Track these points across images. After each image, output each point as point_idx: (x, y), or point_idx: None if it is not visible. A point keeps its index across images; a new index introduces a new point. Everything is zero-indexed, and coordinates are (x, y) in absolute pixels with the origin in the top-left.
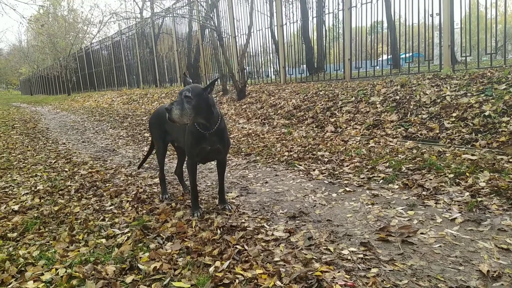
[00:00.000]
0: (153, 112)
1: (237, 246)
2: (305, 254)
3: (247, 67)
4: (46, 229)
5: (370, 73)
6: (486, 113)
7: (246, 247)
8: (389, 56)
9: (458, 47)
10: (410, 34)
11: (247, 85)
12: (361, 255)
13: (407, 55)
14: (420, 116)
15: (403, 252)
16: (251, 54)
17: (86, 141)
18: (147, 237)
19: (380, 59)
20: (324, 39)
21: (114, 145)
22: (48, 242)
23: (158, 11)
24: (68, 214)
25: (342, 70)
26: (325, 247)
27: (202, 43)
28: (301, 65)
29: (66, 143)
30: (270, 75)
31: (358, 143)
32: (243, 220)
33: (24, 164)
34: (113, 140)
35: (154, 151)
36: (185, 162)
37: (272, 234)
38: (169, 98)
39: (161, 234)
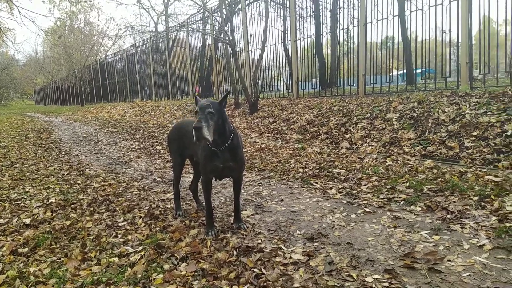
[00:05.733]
0: (173, 126)
1: (255, 270)
2: (326, 280)
3: (259, 81)
4: (58, 245)
5: (385, 89)
6: (508, 133)
7: (264, 270)
8: (404, 71)
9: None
10: (426, 50)
11: (259, 99)
12: (386, 284)
13: (420, 70)
14: (438, 134)
15: (431, 281)
16: (264, 68)
17: (99, 153)
18: (161, 257)
19: (392, 74)
20: (337, 54)
21: (127, 158)
22: (60, 259)
23: (172, 25)
24: (80, 229)
25: (356, 85)
26: (347, 273)
27: (215, 57)
28: (314, 80)
29: (79, 155)
30: (282, 89)
31: (374, 160)
32: (259, 241)
33: (36, 176)
34: (125, 152)
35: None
36: (200, 178)
37: (290, 257)
38: (180, 111)
39: (175, 254)
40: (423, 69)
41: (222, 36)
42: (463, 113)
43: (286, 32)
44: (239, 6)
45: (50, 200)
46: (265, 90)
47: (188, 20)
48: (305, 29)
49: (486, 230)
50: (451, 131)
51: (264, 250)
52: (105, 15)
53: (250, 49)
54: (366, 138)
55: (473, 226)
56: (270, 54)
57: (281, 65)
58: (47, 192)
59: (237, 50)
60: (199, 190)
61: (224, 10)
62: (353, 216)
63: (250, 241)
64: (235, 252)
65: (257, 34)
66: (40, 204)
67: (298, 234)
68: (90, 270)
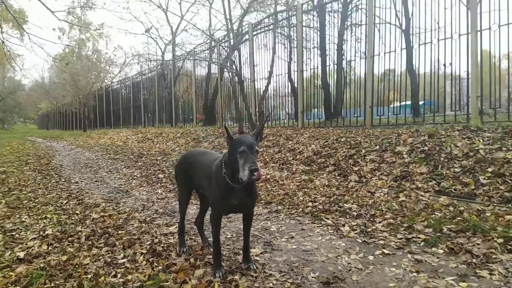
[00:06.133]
0: (181, 157)
1: None
2: None
3: (265, 111)
4: (52, 284)
5: (392, 121)
6: None
7: None
8: (407, 103)
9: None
10: (433, 83)
11: (264, 128)
12: None
13: (422, 102)
14: (452, 169)
15: None
16: (268, 97)
17: (99, 180)
18: None
19: (398, 105)
20: (343, 85)
21: (128, 186)
22: None
23: (179, 54)
24: (77, 266)
25: (363, 116)
26: None
27: (220, 85)
28: (318, 110)
29: (79, 182)
30: (288, 119)
31: (386, 195)
32: (271, 285)
33: (34, 204)
34: (127, 180)
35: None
36: (207, 212)
37: None
38: (184, 138)
39: None
40: (424, 101)
41: (228, 65)
42: (476, 148)
43: (292, 62)
44: (246, 37)
45: (46, 232)
46: (271, 119)
47: (195, 50)
48: (309, 60)
49: None
50: (465, 167)
51: None
52: (113, 43)
53: (256, 78)
54: (376, 171)
55: (502, 272)
56: (275, 84)
57: (285, 95)
58: (44, 222)
59: (243, 79)
60: (204, 225)
61: (231, 40)
62: (371, 258)
63: (261, 284)
64: None
65: (263, 64)
66: (36, 236)
67: (312, 277)
68: None
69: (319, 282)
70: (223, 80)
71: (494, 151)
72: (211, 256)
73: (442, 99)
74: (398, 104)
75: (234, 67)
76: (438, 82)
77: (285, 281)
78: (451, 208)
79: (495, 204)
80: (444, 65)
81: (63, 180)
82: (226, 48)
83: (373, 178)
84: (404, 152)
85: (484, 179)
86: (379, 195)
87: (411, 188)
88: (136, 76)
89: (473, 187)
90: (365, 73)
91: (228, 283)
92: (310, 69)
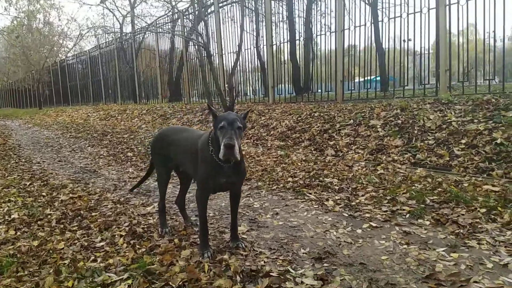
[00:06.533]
0: (157, 134)
1: None
2: None
3: (240, 85)
4: (26, 272)
5: (362, 95)
6: (498, 141)
7: None
8: (375, 77)
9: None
10: (403, 57)
11: (235, 104)
12: None
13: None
14: (426, 142)
15: None
16: (238, 72)
17: (63, 160)
18: (153, 286)
19: (362, 80)
20: (312, 59)
21: (95, 166)
22: None
23: (139, 27)
24: (50, 251)
25: (334, 91)
26: None
27: (186, 60)
28: (288, 85)
29: (41, 162)
30: (258, 94)
31: (364, 169)
32: (263, 263)
33: None
34: (93, 160)
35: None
36: (188, 191)
37: (302, 282)
38: (150, 115)
39: (170, 283)
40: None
41: (195, 38)
42: (449, 120)
43: (259, 37)
44: (212, 8)
45: (12, 216)
46: (240, 95)
47: (157, 22)
48: (277, 35)
49: (505, 246)
50: (438, 139)
51: (271, 274)
52: (66, 15)
53: (223, 53)
54: (352, 145)
55: (490, 241)
56: (245, 59)
57: (254, 70)
58: (7, 206)
59: (211, 53)
60: (186, 204)
61: (196, 11)
62: (359, 231)
63: (252, 263)
64: (238, 278)
65: (230, 38)
66: (0, 220)
67: (303, 253)
68: None
69: (311, 258)
70: (188, 54)
71: (466, 123)
72: (196, 236)
73: (411, 73)
74: (367, 78)
75: (201, 39)
76: (408, 57)
77: (276, 258)
78: (429, 180)
79: (471, 175)
80: (405, 40)
81: (23, 160)
82: (191, 20)
83: (349, 152)
84: (378, 126)
85: (458, 150)
86: (357, 169)
87: (387, 161)
88: (93, 50)
89: (448, 158)
90: (335, 47)
91: (218, 263)
92: (280, 43)
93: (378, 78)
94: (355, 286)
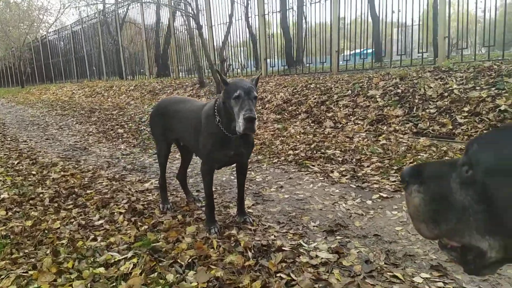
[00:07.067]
0: (156, 105)
1: (281, 275)
2: (371, 284)
3: (229, 58)
4: (21, 253)
5: (358, 66)
6: (502, 108)
7: (293, 276)
8: (364, 50)
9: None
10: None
11: (226, 75)
12: (441, 284)
13: (368, 50)
14: (428, 110)
15: (488, 277)
16: (227, 46)
17: (51, 138)
18: (160, 264)
19: (354, 52)
20: (305, 30)
21: (85, 143)
22: (27, 272)
23: None
24: (46, 231)
25: (328, 63)
26: (391, 273)
27: (174, 33)
28: (281, 58)
29: (28, 141)
30: (250, 67)
31: (366, 140)
32: (273, 237)
33: None
34: (82, 137)
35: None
36: (188, 165)
37: (317, 256)
38: (138, 91)
39: (179, 260)
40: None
41: (183, 8)
42: (450, 88)
43: (249, 7)
44: None
45: (2, 196)
46: (232, 68)
47: None
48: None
49: None
50: (440, 107)
51: (283, 249)
52: None
53: (213, 24)
54: (351, 116)
55: None
56: (235, 31)
57: (243, 43)
58: None
59: (201, 24)
60: (188, 178)
61: None
62: (369, 202)
63: (262, 238)
64: (250, 254)
65: (219, 9)
66: None
67: (314, 226)
68: (71, 287)
69: (322, 230)
70: (175, 26)
71: (469, 90)
72: (200, 212)
73: (409, 42)
74: (360, 50)
75: (190, 9)
76: (406, 26)
77: (286, 232)
78: (434, 149)
79: None
80: (393, 11)
81: (9, 139)
82: None
83: (348, 123)
84: (377, 96)
85: (461, 118)
86: (359, 140)
87: (389, 131)
88: (75, 24)
89: (451, 127)
90: (330, 16)
91: (227, 239)
92: (273, 13)
93: (369, 51)
94: (372, 259)
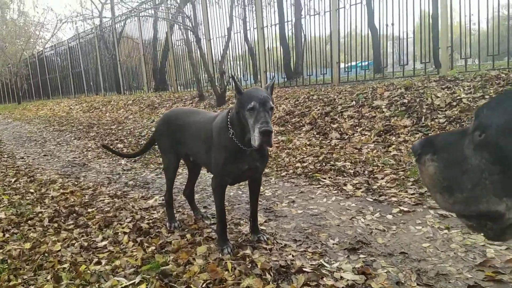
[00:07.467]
0: (162, 116)
1: None
2: None
3: (227, 71)
4: (20, 280)
5: (359, 78)
6: None
7: None
8: (365, 62)
9: (411, 55)
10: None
11: (226, 90)
12: None
13: (364, 63)
14: (437, 120)
15: None
16: (227, 59)
17: (49, 155)
18: None
19: (355, 63)
20: (303, 42)
21: (84, 159)
22: None
23: (119, 13)
24: (46, 254)
25: (328, 74)
26: None
27: (172, 46)
28: (279, 71)
29: (25, 158)
30: (250, 80)
31: (375, 151)
32: (291, 257)
33: None
34: (81, 153)
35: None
36: (196, 179)
37: (342, 278)
38: (136, 105)
39: (192, 285)
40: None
41: (181, 21)
42: (458, 97)
43: (246, 21)
44: None
45: None
46: (230, 81)
47: (139, 8)
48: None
49: None
50: (450, 117)
51: (304, 270)
52: (42, 5)
53: (211, 37)
54: (357, 127)
55: None
56: (233, 44)
57: (242, 56)
58: None
59: (199, 37)
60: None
61: None
62: (389, 217)
63: (279, 258)
64: (269, 276)
65: (218, 22)
66: None
67: (333, 244)
68: None
69: (343, 248)
70: (173, 40)
71: (477, 99)
72: (209, 230)
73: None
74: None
75: (188, 22)
76: (407, 34)
77: (304, 251)
78: None
79: None
80: (387, 25)
81: (6, 156)
82: (176, 1)
83: (355, 134)
84: (383, 106)
85: None
86: (368, 151)
87: (398, 142)
88: (71, 40)
89: None
90: (330, 27)
91: (242, 260)
92: (271, 25)
93: (366, 63)
94: (402, 279)
